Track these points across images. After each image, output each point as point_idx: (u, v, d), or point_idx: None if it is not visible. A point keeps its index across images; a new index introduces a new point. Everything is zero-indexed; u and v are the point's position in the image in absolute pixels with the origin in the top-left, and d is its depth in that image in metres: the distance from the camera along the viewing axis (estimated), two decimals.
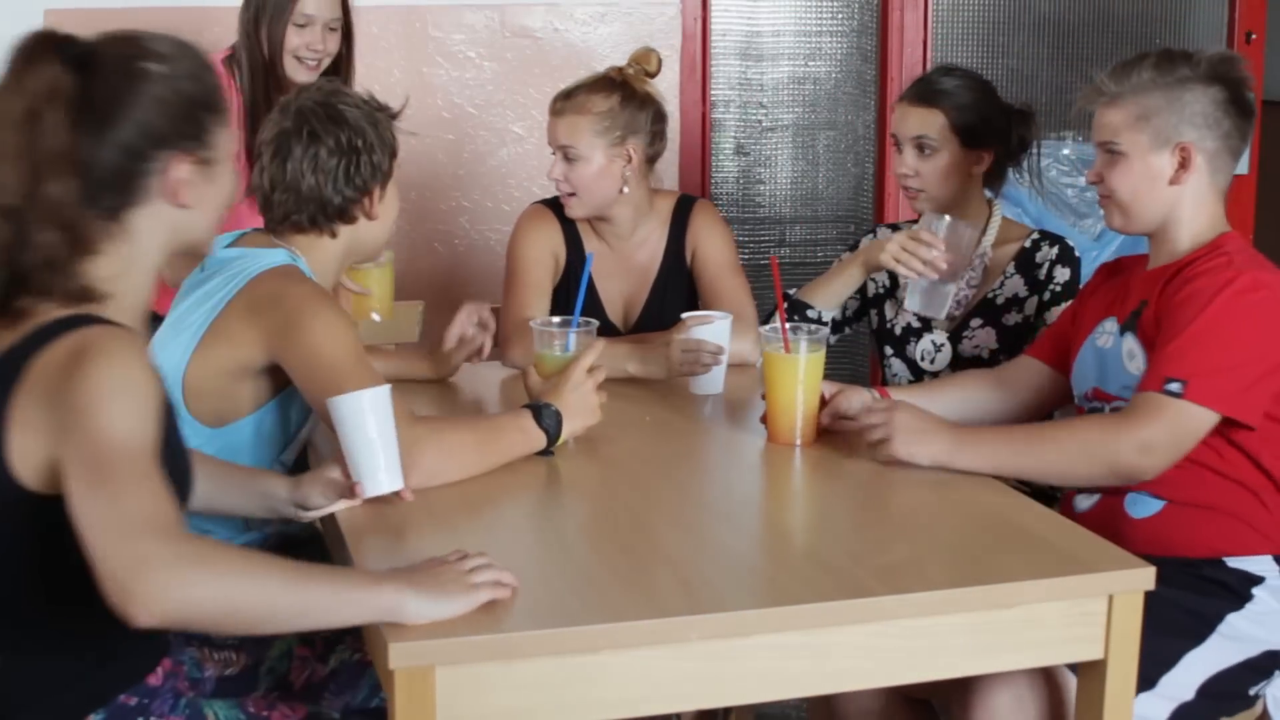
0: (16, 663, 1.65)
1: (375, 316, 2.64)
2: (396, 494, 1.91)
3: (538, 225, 2.88)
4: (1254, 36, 4.10)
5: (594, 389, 2.23)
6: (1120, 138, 2.17)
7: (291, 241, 2.20)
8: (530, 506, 2.05)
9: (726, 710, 2.85)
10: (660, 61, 2.88)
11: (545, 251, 2.85)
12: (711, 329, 2.54)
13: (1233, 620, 2.05)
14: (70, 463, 1.49)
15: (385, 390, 1.89)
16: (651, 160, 2.85)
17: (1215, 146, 2.16)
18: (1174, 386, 2.01)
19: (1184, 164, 2.15)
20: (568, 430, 2.17)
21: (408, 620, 1.54)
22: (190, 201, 1.66)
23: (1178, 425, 2.03)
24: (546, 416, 2.15)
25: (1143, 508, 2.12)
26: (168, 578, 1.43)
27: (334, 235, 2.21)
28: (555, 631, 1.57)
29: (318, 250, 2.21)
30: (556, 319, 2.41)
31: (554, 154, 2.81)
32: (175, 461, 1.67)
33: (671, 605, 1.64)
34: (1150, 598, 1.78)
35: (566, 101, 2.79)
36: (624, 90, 2.79)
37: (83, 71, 1.61)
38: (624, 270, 2.90)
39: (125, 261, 1.64)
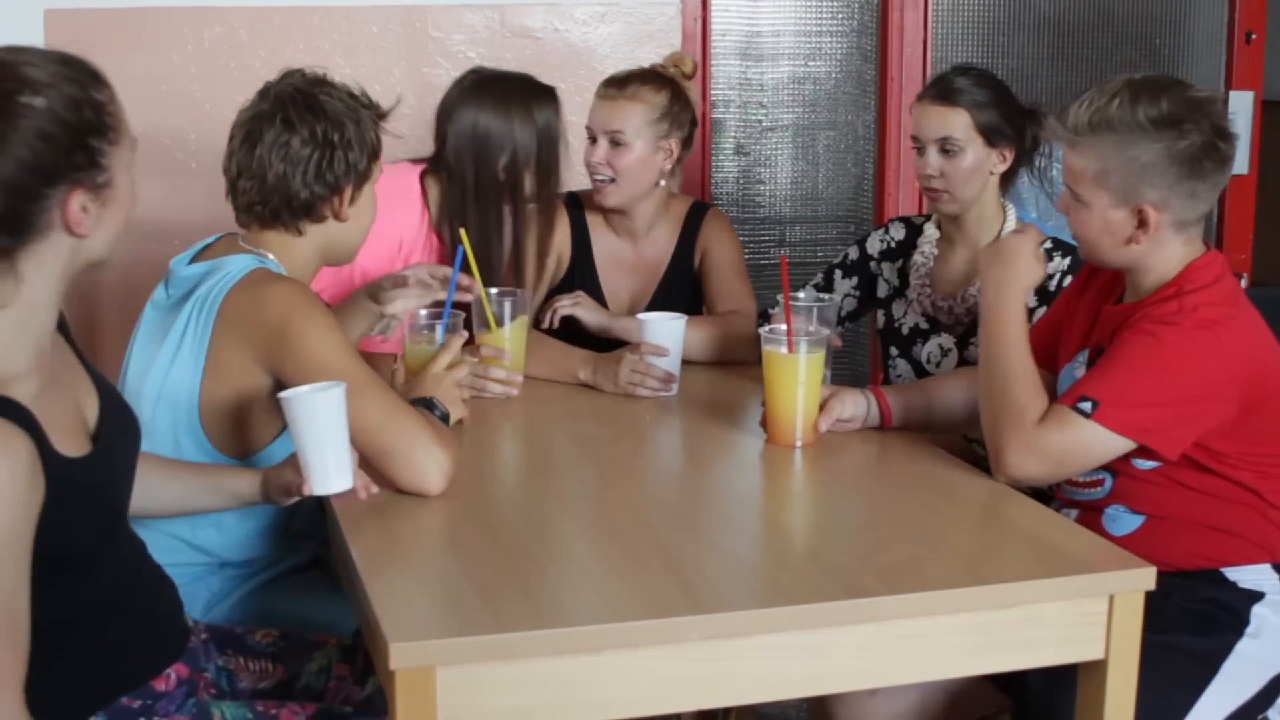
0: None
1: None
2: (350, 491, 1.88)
3: None
4: (1254, 36, 4.10)
5: (454, 384, 2.23)
6: (1081, 188, 2.09)
7: (261, 242, 2.12)
8: (530, 507, 2.05)
9: (726, 710, 2.85)
10: (695, 65, 2.92)
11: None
12: (658, 328, 2.55)
13: (1241, 651, 2.02)
14: None
15: (340, 391, 1.86)
16: (679, 162, 2.89)
17: (1182, 203, 2.05)
18: (1085, 405, 1.99)
19: (1142, 224, 2.05)
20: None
21: None
22: (89, 231, 1.59)
23: (1074, 441, 2.00)
24: (439, 409, 2.14)
25: (1122, 524, 2.11)
26: None
27: (299, 233, 2.12)
28: (555, 631, 1.57)
29: (290, 251, 2.13)
30: (425, 312, 2.38)
31: (594, 139, 2.80)
32: (91, 517, 1.65)
33: (672, 605, 1.64)
34: (1146, 647, 1.77)
35: (620, 89, 2.79)
36: (673, 88, 2.83)
37: None
38: (632, 267, 2.91)
39: (23, 300, 1.57)
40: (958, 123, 2.66)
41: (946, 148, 2.67)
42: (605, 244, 2.91)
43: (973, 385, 2.39)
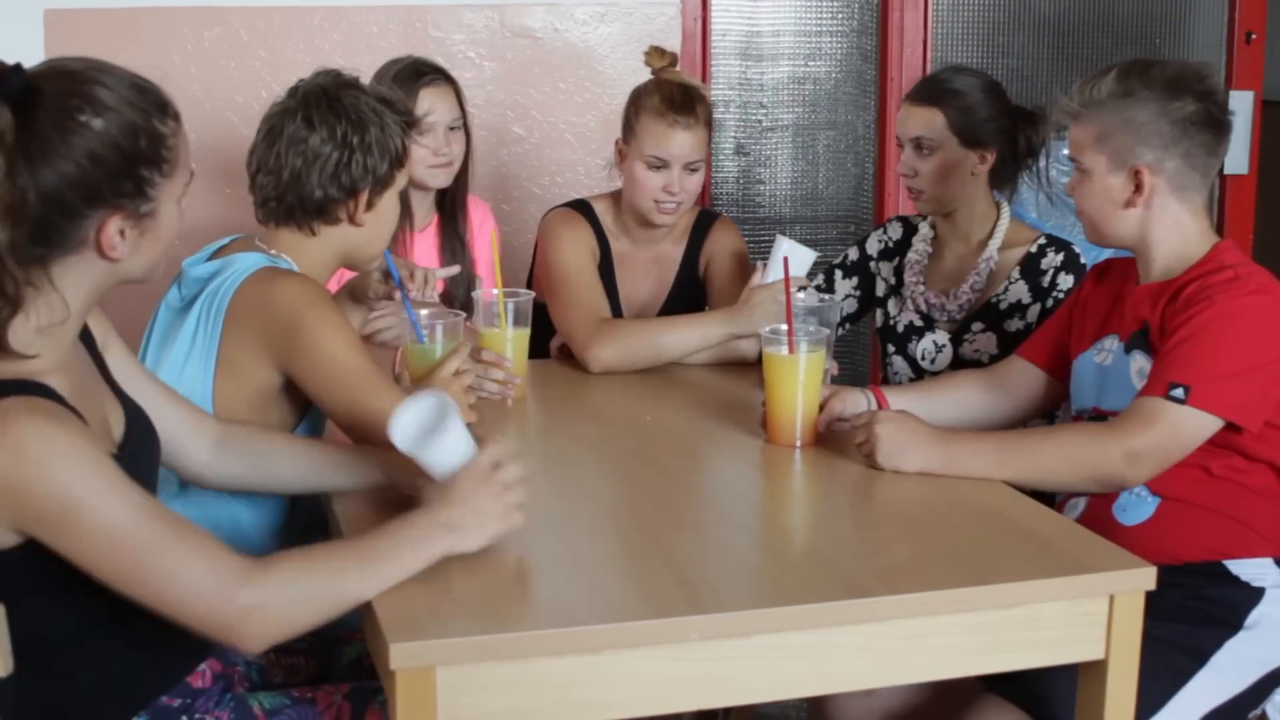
0: (55, 674, 1.65)
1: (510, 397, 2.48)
2: None
3: (574, 229, 2.86)
4: (1254, 36, 4.10)
5: (461, 390, 2.22)
6: (1083, 156, 2.15)
7: (276, 241, 2.11)
8: (530, 506, 2.05)
9: (726, 710, 2.85)
10: (674, 55, 2.86)
11: (587, 252, 2.84)
12: (796, 254, 2.62)
13: (1232, 647, 2.02)
14: (86, 556, 1.51)
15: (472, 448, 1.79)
16: None
17: (1176, 166, 2.09)
18: (1178, 392, 1.99)
19: (1138, 188, 2.10)
20: None
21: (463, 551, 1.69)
22: (122, 255, 1.59)
23: (1172, 432, 2.00)
24: None
25: (1134, 513, 2.10)
26: (257, 627, 1.55)
27: (313, 233, 2.10)
28: (556, 632, 1.57)
29: (303, 252, 2.11)
30: (425, 310, 2.37)
31: (664, 166, 2.74)
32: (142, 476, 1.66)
33: (672, 605, 1.63)
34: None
35: (693, 115, 2.73)
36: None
37: (22, 110, 1.51)
38: (643, 275, 2.90)
39: (54, 313, 1.58)
40: (932, 122, 2.68)
41: (920, 146, 2.69)
42: (621, 250, 2.90)
43: (970, 389, 2.39)
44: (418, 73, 2.90)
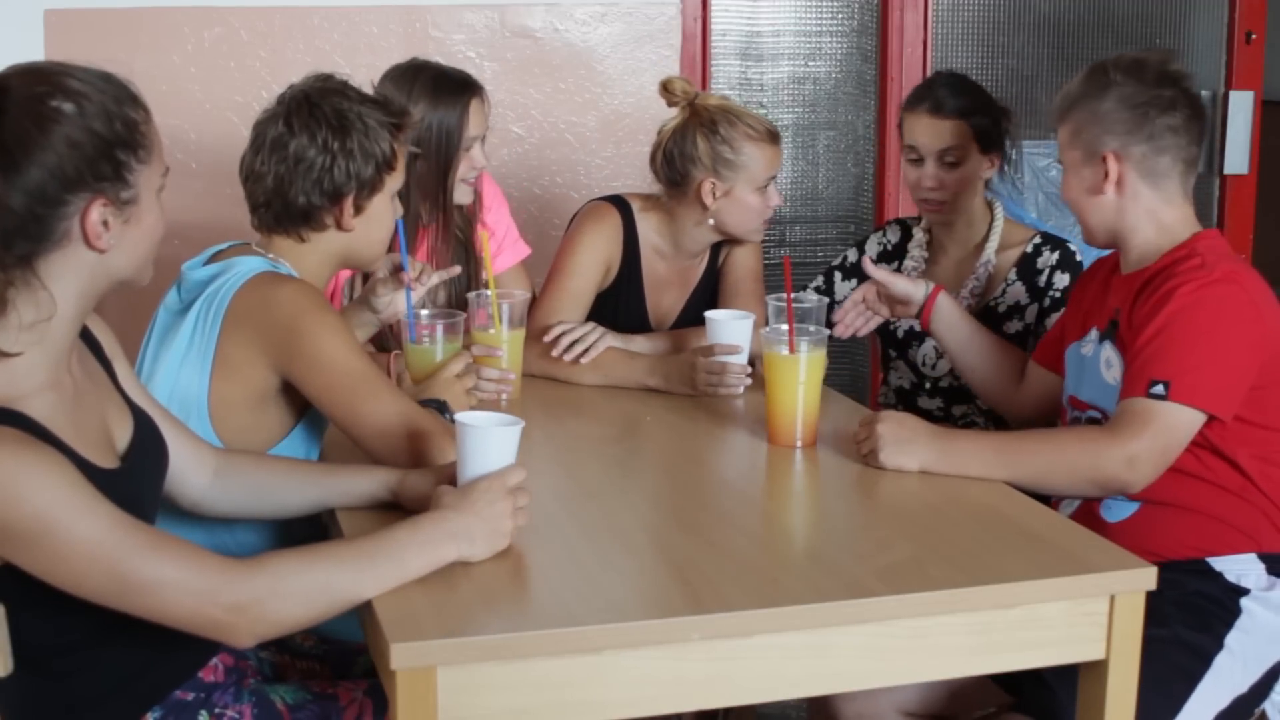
0: (58, 674, 1.65)
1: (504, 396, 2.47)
2: None
3: (601, 230, 2.79)
4: (1254, 36, 4.10)
5: (463, 391, 2.24)
6: (1064, 155, 2.20)
7: (271, 246, 2.11)
8: (531, 507, 2.05)
9: (727, 710, 2.85)
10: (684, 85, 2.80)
11: (599, 260, 2.78)
12: (729, 328, 2.51)
13: (1231, 644, 2.02)
14: (67, 577, 1.51)
15: (518, 430, 1.82)
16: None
17: (1143, 151, 2.12)
18: (1158, 389, 2.00)
19: (1106, 175, 2.14)
20: None
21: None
22: (108, 245, 1.57)
23: (1167, 431, 2.00)
24: (449, 414, 2.12)
25: (1118, 511, 2.11)
26: (247, 622, 1.55)
27: (302, 240, 2.10)
28: (556, 632, 1.57)
29: (299, 257, 2.10)
30: (425, 313, 2.37)
31: (772, 183, 2.74)
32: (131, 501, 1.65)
33: (673, 605, 1.64)
34: (1144, 641, 1.77)
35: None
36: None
37: None
38: (673, 280, 2.86)
39: (41, 309, 1.56)
40: (959, 133, 2.67)
41: (947, 159, 2.67)
42: (652, 256, 2.84)
43: (1010, 363, 2.47)
44: (465, 84, 2.74)
